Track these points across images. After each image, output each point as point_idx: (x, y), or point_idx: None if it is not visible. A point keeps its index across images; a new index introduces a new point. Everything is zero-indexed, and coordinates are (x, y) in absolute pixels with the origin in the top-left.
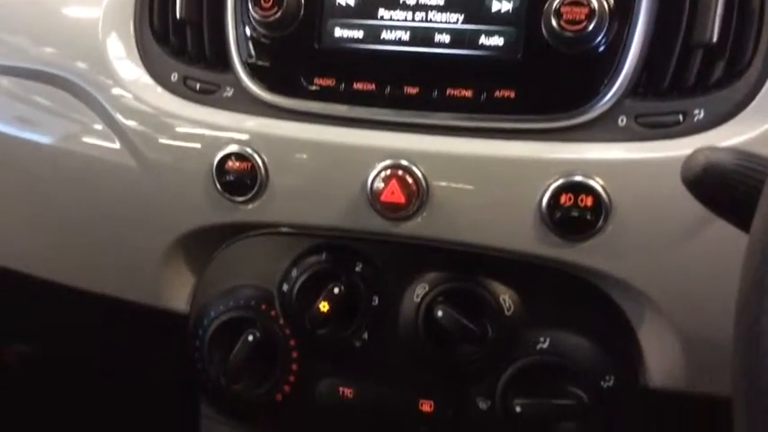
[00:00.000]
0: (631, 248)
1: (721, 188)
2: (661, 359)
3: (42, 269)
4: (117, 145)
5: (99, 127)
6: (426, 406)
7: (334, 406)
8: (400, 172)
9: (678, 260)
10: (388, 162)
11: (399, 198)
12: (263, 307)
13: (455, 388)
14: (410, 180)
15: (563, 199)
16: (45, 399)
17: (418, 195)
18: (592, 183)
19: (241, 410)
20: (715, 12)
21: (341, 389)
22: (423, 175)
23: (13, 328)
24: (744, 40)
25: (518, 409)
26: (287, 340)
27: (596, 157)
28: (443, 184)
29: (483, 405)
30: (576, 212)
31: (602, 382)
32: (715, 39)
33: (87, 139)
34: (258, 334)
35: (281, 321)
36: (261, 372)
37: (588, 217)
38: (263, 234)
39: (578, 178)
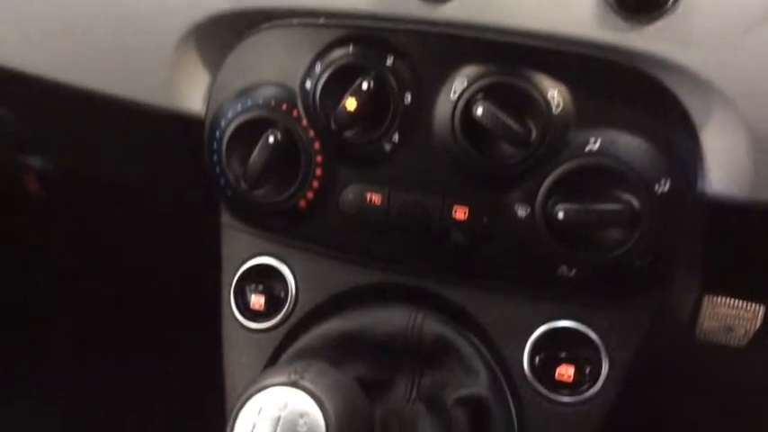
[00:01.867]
0: (704, 32)
1: None
2: (725, 162)
3: (47, 67)
4: None
5: None
6: (460, 213)
7: (360, 213)
8: None
9: (758, 46)
10: None
11: None
12: (285, 107)
13: (492, 194)
14: None
15: None
16: (65, 223)
17: None
18: None
19: (263, 218)
20: None
21: (368, 195)
22: None
23: (27, 137)
24: None
25: (560, 215)
26: (310, 143)
27: None
28: None
29: (522, 212)
30: None
31: (657, 187)
32: None
33: None
34: (279, 135)
35: (305, 122)
36: (283, 177)
37: None
38: (282, 25)
39: None
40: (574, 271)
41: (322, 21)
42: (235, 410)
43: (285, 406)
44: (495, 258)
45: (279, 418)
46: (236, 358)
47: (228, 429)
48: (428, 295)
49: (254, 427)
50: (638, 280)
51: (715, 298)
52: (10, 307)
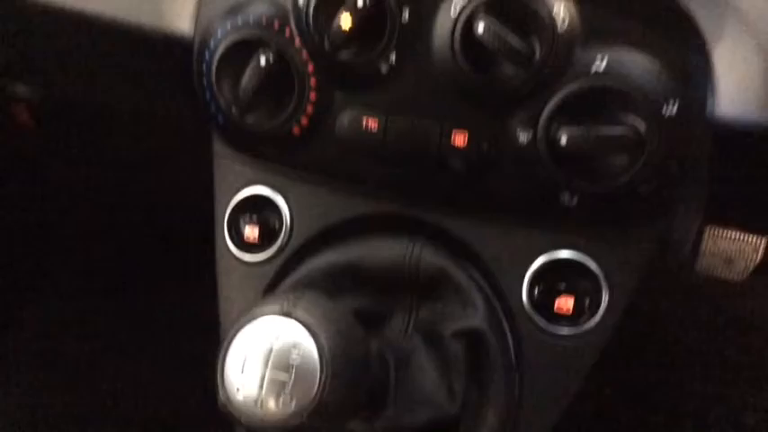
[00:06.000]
0: None
1: None
2: (736, 82)
3: None
4: None
5: None
6: (459, 138)
7: (356, 139)
8: None
9: None
10: None
11: None
12: (276, 25)
13: (492, 118)
14: None
15: None
16: (57, 154)
17: None
18: None
19: (256, 145)
20: None
21: (365, 119)
22: None
23: (13, 61)
24: None
25: (563, 140)
26: (304, 64)
27: None
28: None
29: (523, 137)
30: None
31: (664, 109)
32: None
33: None
34: (271, 57)
35: (297, 42)
36: (276, 101)
37: None
38: None
39: None
40: (576, 199)
41: None
42: (226, 342)
43: (277, 337)
44: (494, 186)
45: (271, 349)
46: (231, 292)
47: (220, 361)
48: (426, 226)
49: (245, 359)
50: (641, 208)
51: (716, 230)
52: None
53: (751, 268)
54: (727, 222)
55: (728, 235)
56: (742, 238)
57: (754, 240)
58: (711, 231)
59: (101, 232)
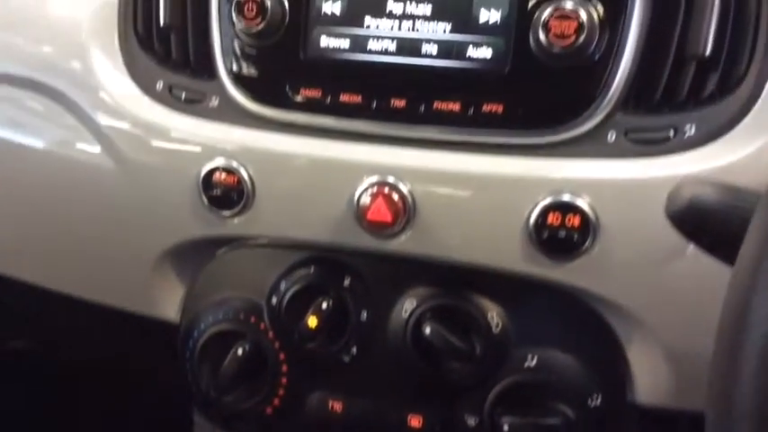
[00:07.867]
0: (618, 268)
1: (705, 224)
2: (649, 376)
3: (29, 275)
4: (102, 155)
5: (83, 135)
6: (415, 421)
7: (323, 419)
8: (386, 189)
9: (665, 280)
10: (374, 179)
11: (386, 216)
12: (253, 319)
13: (443, 404)
14: (396, 197)
15: (550, 218)
16: (42, 392)
17: (405, 212)
18: (579, 202)
19: (232, 421)
20: (709, 23)
21: (330, 402)
22: (409, 191)
23: (5, 328)
24: (738, 53)
25: (505, 427)
26: (276, 353)
27: (584, 176)
28: (430, 200)
29: (471, 421)
30: (564, 232)
31: (590, 401)
32: (708, 51)
33: (71, 147)
34: (248, 347)
35: (271, 335)
36: (251, 384)
37: (575, 237)
38: (252, 246)
39: (566, 198)
40: None
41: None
42: None
43: None
44: None
45: None
46: None
47: None
48: None
49: None
50: None
51: None
52: None
53: None
54: None
55: None
56: None
57: None
58: None
59: None
